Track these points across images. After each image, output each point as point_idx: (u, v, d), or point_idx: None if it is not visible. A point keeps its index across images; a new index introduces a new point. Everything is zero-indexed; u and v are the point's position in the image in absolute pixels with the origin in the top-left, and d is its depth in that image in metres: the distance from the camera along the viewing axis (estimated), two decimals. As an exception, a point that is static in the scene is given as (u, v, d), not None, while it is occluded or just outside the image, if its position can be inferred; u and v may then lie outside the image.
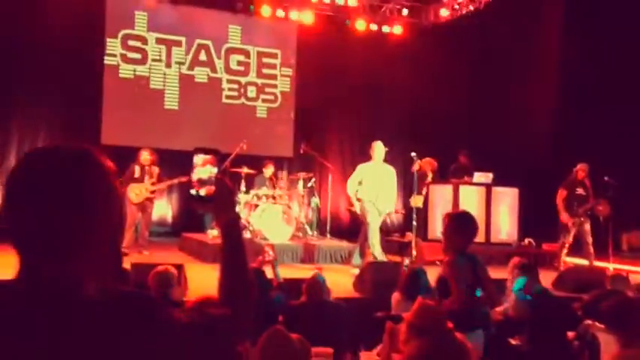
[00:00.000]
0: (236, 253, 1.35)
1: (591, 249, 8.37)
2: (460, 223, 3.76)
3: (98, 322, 1.01)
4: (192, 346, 1.14)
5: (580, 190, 8.45)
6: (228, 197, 1.39)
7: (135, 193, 7.81)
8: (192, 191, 1.37)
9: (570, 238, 8.44)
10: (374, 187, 7.50)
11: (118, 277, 1.19)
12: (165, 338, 1.08)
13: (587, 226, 8.42)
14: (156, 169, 8.03)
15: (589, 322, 4.20)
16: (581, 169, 8.51)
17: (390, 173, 7.72)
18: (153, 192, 7.97)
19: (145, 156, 7.99)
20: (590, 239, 8.38)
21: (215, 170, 1.37)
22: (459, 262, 3.61)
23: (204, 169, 1.36)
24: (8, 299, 1.02)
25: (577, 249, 8.77)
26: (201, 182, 1.36)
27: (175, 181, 8.09)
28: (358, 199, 7.56)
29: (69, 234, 1.02)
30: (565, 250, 8.47)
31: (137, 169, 7.93)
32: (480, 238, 9.27)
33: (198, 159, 1.39)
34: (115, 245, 1.15)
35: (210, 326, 1.19)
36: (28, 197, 1.02)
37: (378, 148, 7.63)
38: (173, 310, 1.14)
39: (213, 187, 1.36)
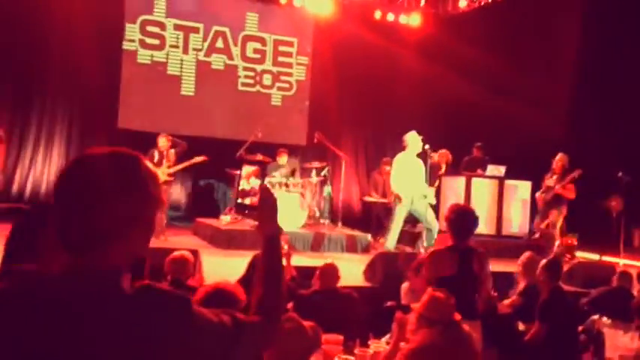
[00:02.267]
0: (274, 265, 1.42)
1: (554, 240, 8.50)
2: (453, 216, 3.85)
3: (133, 318, 1.09)
4: (220, 348, 1.20)
5: (550, 181, 8.54)
6: (272, 207, 1.47)
7: None
8: (238, 200, 1.48)
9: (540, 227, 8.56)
10: (409, 177, 7.50)
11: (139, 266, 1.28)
12: (196, 337, 1.14)
13: (553, 217, 8.51)
14: (172, 153, 8.23)
15: (595, 317, 4.26)
16: (559, 160, 8.58)
17: (420, 164, 7.74)
18: (170, 175, 8.15)
19: (163, 142, 8.20)
20: (555, 229, 8.51)
21: (258, 182, 1.47)
22: (435, 254, 3.78)
23: (248, 181, 1.47)
24: (50, 291, 1.10)
25: (586, 243, 8.79)
26: (245, 193, 1.47)
27: (192, 161, 8.33)
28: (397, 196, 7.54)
29: (107, 232, 1.11)
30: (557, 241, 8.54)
31: (156, 154, 8.15)
32: (491, 230, 9.37)
33: (244, 171, 1.50)
34: (147, 243, 1.22)
35: (239, 330, 1.24)
36: (73, 196, 1.12)
37: (413, 139, 7.59)
38: (205, 311, 1.20)
39: (256, 198, 1.46)
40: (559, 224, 8.56)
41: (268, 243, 1.43)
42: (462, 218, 3.84)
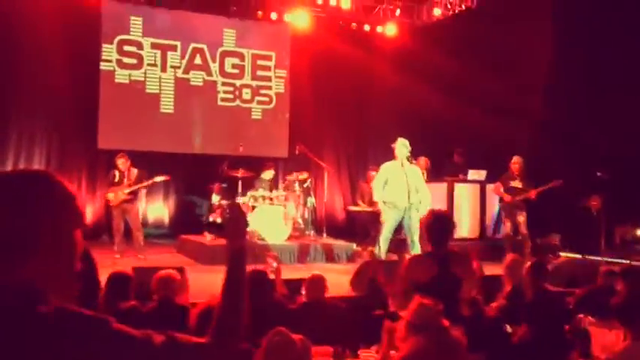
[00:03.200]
0: (236, 283, 1.39)
1: (528, 241, 8.58)
2: (429, 223, 3.90)
3: (45, 338, 1.08)
4: None
5: (515, 183, 8.65)
6: (240, 222, 1.47)
7: (111, 196, 8.05)
8: (209, 219, 1.49)
9: (507, 229, 8.66)
10: (398, 185, 7.39)
11: (74, 286, 1.25)
12: (114, 357, 1.12)
13: (522, 218, 8.58)
14: (134, 172, 8.18)
15: (581, 315, 4.32)
16: (515, 162, 8.71)
17: (414, 171, 7.62)
18: (130, 194, 8.08)
19: (122, 162, 8.16)
20: (525, 230, 8.57)
21: (218, 197, 1.49)
22: (414, 259, 3.82)
23: (216, 196, 1.49)
24: None
25: (568, 243, 8.92)
26: (212, 209, 1.48)
27: (150, 182, 8.26)
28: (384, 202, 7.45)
29: (12, 242, 1.13)
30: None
31: (117, 174, 8.12)
32: (474, 234, 9.48)
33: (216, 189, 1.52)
34: (68, 255, 1.22)
35: (171, 352, 1.19)
36: None
37: (400, 146, 7.48)
38: (129, 330, 1.17)
39: (217, 214, 1.48)
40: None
41: (233, 258, 1.42)
42: (438, 224, 3.88)
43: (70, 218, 1.21)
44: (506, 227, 8.69)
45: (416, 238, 7.39)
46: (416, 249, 7.29)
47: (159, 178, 8.35)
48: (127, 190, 8.04)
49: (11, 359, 1.06)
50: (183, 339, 1.24)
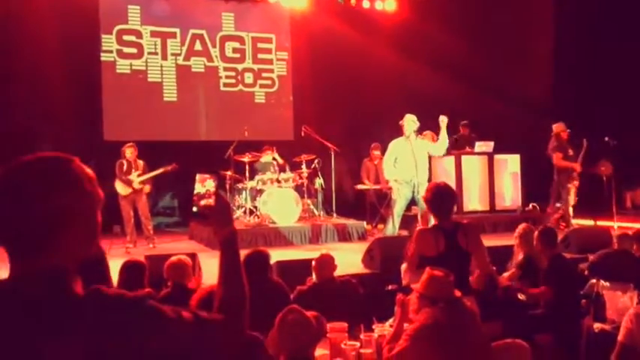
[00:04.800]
0: (233, 267, 1.42)
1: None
2: (431, 196, 3.88)
3: (85, 321, 1.10)
4: (180, 343, 1.20)
5: (571, 152, 8.53)
6: (225, 211, 1.50)
7: (122, 186, 8.02)
8: (194, 208, 1.49)
9: (572, 199, 8.52)
10: (407, 162, 7.37)
11: (99, 271, 1.29)
12: (153, 335, 1.15)
13: (574, 187, 8.52)
14: (141, 162, 8.18)
15: (594, 280, 4.32)
16: (565, 129, 8.54)
17: (422, 146, 7.61)
18: (141, 183, 8.10)
19: (130, 151, 8.15)
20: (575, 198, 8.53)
21: (213, 184, 1.50)
22: (420, 233, 3.81)
23: (202, 185, 1.49)
24: None
25: (580, 210, 8.87)
26: (200, 197, 1.48)
27: (161, 170, 8.26)
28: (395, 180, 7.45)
29: (39, 232, 1.13)
30: (571, 210, 8.54)
31: (125, 164, 8.11)
32: (484, 206, 9.45)
33: (198, 177, 1.52)
34: (91, 241, 1.23)
35: (200, 327, 1.24)
36: (9, 199, 1.14)
37: (409, 122, 7.44)
38: (163, 308, 1.20)
39: (211, 200, 1.48)
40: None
41: (225, 245, 1.45)
42: (440, 196, 3.85)
43: (94, 199, 1.22)
44: (573, 196, 8.52)
45: (397, 216, 7.47)
46: (392, 226, 7.44)
47: (169, 167, 8.38)
48: (140, 179, 8.06)
49: (56, 343, 1.07)
50: (204, 315, 1.28)
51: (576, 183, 8.51)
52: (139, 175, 8.07)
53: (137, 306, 1.17)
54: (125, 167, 8.08)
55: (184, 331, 1.21)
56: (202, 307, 2.55)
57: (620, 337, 3.04)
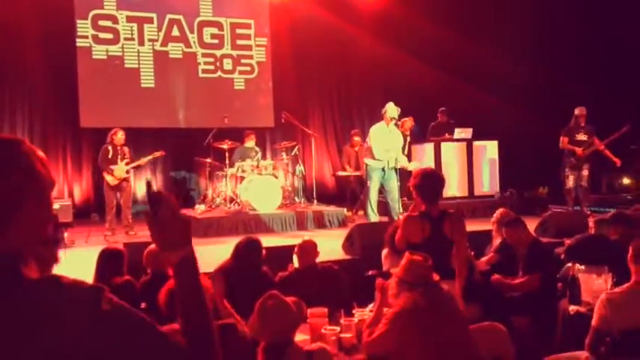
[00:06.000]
0: (195, 298, 1.25)
1: (588, 195, 8.57)
2: (418, 182, 3.90)
3: (35, 306, 1.06)
4: (132, 339, 1.12)
5: (580, 136, 8.55)
6: (185, 227, 1.28)
7: (111, 176, 7.88)
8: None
9: (571, 183, 8.60)
10: (383, 148, 7.50)
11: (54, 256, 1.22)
12: (107, 326, 1.09)
13: (586, 172, 8.54)
14: (126, 149, 8.08)
15: (569, 264, 4.39)
16: (581, 114, 8.53)
17: (399, 135, 7.77)
18: (128, 172, 8.03)
19: (121, 136, 8.01)
20: (586, 184, 8.55)
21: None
22: (408, 220, 3.82)
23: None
24: None
25: (556, 195, 8.99)
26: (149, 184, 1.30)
27: (149, 157, 8.25)
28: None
29: None
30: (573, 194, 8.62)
31: (110, 150, 7.94)
32: (463, 192, 9.54)
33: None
34: (44, 223, 1.19)
35: (159, 340, 1.15)
36: None
37: (391, 109, 7.54)
38: (122, 303, 1.13)
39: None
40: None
41: (181, 271, 1.25)
42: (427, 181, 3.88)
43: (45, 181, 1.19)
44: (570, 181, 8.58)
45: (394, 196, 7.55)
46: (394, 212, 7.46)
47: (156, 154, 8.33)
48: (127, 168, 7.96)
49: (4, 327, 1.04)
50: (169, 337, 1.17)
51: (585, 172, 8.53)
52: (126, 164, 7.96)
53: (96, 295, 1.10)
54: (111, 154, 7.93)
55: (141, 329, 1.13)
56: (171, 300, 2.52)
57: (593, 322, 3.11)
